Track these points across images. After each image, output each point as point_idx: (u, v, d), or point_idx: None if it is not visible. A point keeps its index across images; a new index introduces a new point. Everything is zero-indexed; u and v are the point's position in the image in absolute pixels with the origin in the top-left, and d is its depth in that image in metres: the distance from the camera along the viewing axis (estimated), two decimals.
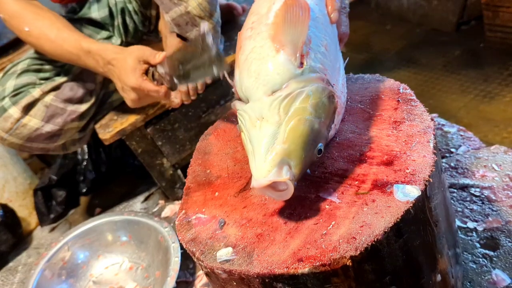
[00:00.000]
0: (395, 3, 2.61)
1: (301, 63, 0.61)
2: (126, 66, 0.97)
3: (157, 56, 0.96)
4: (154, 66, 0.97)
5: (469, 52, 2.33)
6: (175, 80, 0.94)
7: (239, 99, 0.66)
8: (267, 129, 0.58)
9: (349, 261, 0.53)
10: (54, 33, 1.07)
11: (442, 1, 2.35)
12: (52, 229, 1.68)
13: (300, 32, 0.60)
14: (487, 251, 0.89)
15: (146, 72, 0.99)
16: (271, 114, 0.58)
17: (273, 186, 0.57)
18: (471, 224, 0.94)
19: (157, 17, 1.35)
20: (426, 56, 2.29)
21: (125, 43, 1.31)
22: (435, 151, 0.62)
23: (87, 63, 1.06)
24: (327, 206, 0.60)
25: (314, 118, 0.59)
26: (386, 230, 0.54)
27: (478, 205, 0.98)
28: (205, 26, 0.82)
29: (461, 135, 1.20)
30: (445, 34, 2.37)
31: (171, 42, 1.25)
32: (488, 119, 2.01)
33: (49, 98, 1.19)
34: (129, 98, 1.02)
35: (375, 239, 0.53)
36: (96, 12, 1.28)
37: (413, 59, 2.30)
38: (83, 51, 1.04)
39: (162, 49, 1.32)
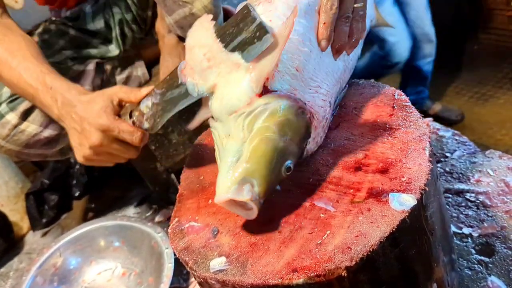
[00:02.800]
0: None
1: (264, 88, 0.60)
2: (94, 105, 0.80)
3: (141, 91, 0.79)
4: (136, 104, 0.80)
5: (463, 54, 2.34)
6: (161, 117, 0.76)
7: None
8: (232, 146, 0.59)
9: (344, 271, 0.52)
10: (17, 60, 0.90)
11: (436, 3, 2.36)
12: (44, 234, 1.66)
13: (269, 61, 0.59)
14: (482, 258, 0.88)
15: (119, 116, 0.82)
16: (235, 132, 0.59)
17: (241, 204, 0.58)
18: (466, 230, 0.94)
19: (153, 18, 1.34)
20: None
21: (124, 52, 1.30)
22: (430, 158, 0.61)
23: (43, 101, 0.88)
24: (322, 215, 0.60)
25: (278, 136, 0.59)
26: (382, 240, 0.53)
27: (473, 211, 0.98)
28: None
29: (456, 140, 1.20)
30: (439, 36, 2.38)
31: (170, 41, 1.24)
32: (482, 121, 2.02)
33: None
34: (90, 143, 0.80)
35: (371, 249, 0.52)
36: (91, 23, 1.26)
37: None
38: (44, 86, 0.87)
39: (157, 52, 1.32)
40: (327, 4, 0.62)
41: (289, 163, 0.60)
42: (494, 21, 2.17)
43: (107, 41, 1.29)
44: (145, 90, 0.78)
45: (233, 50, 0.61)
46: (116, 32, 1.28)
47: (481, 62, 2.27)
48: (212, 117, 0.66)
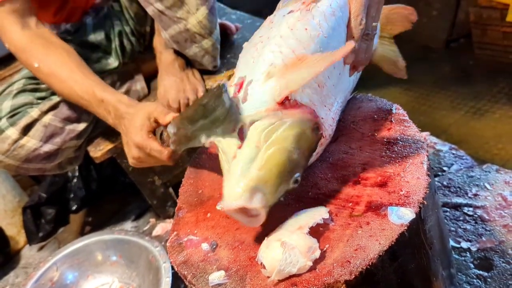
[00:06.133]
0: None
1: (285, 99, 0.60)
2: (134, 122, 0.88)
3: (167, 116, 0.85)
4: (165, 126, 0.86)
5: (459, 69, 2.36)
6: (182, 141, 0.73)
7: None
8: (246, 152, 0.57)
9: (344, 285, 0.52)
10: (65, 73, 1.00)
11: (432, 19, 2.38)
12: (41, 248, 1.65)
13: (299, 80, 0.58)
14: (481, 272, 0.88)
15: (154, 132, 0.88)
16: (252, 139, 0.58)
17: (244, 210, 0.56)
18: (464, 244, 0.94)
19: (151, 33, 1.35)
20: (416, 72, 2.31)
21: (122, 64, 1.31)
22: (428, 172, 0.62)
23: (98, 112, 0.99)
24: (321, 229, 0.60)
25: (294, 148, 0.59)
26: (381, 253, 0.53)
27: (471, 225, 0.98)
28: (225, 83, 0.65)
29: (453, 154, 1.21)
30: (434, 51, 2.40)
31: (166, 58, 1.25)
32: (478, 135, 2.02)
33: (47, 117, 1.16)
34: (131, 155, 0.91)
35: (370, 263, 0.53)
36: (92, 35, 1.27)
37: None
38: (96, 99, 0.97)
39: (156, 66, 1.32)
40: (357, 19, 0.63)
41: (297, 175, 0.60)
42: (489, 37, 2.19)
43: (107, 53, 1.30)
44: (171, 116, 0.85)
45: None
46: (115, 43, 1.29)
47: (476, 77, 2.29)
48: None
